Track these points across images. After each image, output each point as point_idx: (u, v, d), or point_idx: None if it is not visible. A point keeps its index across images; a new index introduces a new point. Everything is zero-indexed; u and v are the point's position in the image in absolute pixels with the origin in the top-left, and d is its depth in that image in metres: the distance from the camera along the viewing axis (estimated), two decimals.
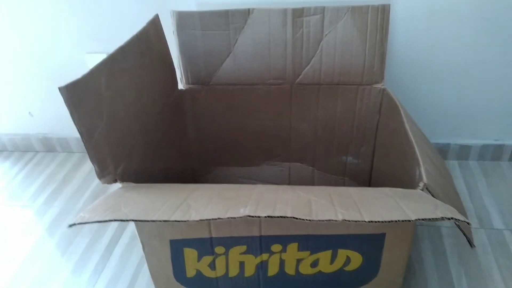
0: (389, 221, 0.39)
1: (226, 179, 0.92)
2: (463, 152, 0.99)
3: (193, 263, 0.60)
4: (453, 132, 0.97)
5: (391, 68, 0.87)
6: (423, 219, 0.40)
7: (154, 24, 0.69)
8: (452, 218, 0.41)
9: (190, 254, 0.59)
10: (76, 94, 0.50)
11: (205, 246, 0.57)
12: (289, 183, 0.91)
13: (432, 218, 0.41)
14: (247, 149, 0.89)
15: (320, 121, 0.84)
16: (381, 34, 0.73)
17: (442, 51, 0.85)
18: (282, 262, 0.58)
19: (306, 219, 0.40)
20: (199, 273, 0.61)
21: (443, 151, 0.99)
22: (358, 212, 0.42)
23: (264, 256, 0.58)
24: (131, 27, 0.64)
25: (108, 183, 0.57)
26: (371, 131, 0.82)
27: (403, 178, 0.64)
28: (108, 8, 0.88)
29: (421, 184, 0.53)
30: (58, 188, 1.07)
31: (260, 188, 0.50)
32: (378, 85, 0.77)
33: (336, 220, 0.40)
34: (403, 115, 0.68)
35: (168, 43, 0.75)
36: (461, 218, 0.41)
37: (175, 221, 0.41)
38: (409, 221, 0.39)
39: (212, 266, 0.60)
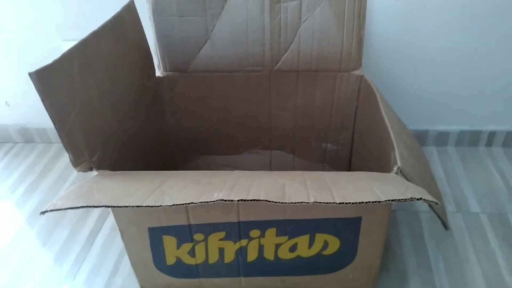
0: (359, 203, 0.40)
1: (207, 167, 0.91)
2: (441, 138, 1.01)
3: (172, 250, 0.60)
4: (431, 119, 0.98)
5: (369, 55, 0.87)
6: (393, 200, 0.41)
7: (129, 10, 0.68)
8: (421, 198, 0.41)
9: (169, 241, 0.59)
10: (47, 80, 0.49)
11: (184, 233, 0.57)
12: (270, 170, 0.91)
13: (402, 199, 0.41)
14: (228, 138, 0.88)
15: (300, 108, 0.84)
16: (359, 20, 0.74)
17: (420, 38, 0.86)
18: (261, 248, 0.59)
19: (279, 202, 0.40)
20: (179, 261, 0.61)
21: (421, 137, 1.00)
22: (330, 194, 0.42)
23: (243, 242, 0.58)
24: (109, 13, 0.63)
25: (83, 171, 0.57)
26: (350, 117, 0.83)
27: (379, 163, 0.65)
28: None
29: (395, 168, 0.53)
30: (38, 179, 1.05)
31: (236, 173, 0.50)
32: (356, 72, 0.78)
33: (307, 202, 0.40)
34: (379, 100, 0.68)
35: (145, 29, 0.74)
36: (430, 198, 0.42)
37: (148, 206, 0.41)
38: (379, 202, 0.40)
39: (192, 253, 0.60)
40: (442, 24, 0.84)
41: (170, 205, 0.41)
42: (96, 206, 0.41)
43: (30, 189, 1.02)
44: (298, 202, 0.40)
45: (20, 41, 0.97)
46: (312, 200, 0.40)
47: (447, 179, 0.93)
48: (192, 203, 0.41)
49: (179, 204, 0.41)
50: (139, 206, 0.41)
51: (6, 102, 1.11)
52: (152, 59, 0.77)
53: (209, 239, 0.58)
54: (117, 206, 0.41)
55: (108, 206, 0.41)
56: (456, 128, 0.99)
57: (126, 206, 0.41)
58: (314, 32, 0.75)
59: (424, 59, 0.89)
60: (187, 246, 0.59)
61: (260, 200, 0.41)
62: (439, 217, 0.56)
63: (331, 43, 0.76)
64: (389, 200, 0.40)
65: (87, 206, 0.41)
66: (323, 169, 0.90)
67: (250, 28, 0.75)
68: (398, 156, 0.55)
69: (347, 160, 0.88)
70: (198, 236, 0.58)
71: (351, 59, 0.77)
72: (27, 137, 1.18)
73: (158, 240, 0.59)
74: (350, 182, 0.46)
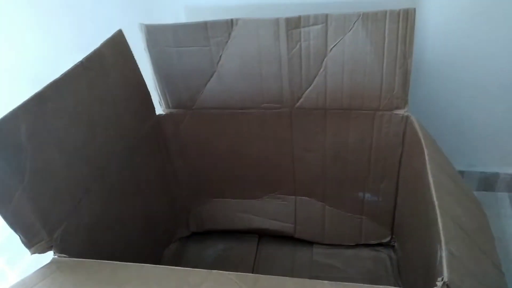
0: None
1: (222, 213, 0.79)
2: None
3: None
4: (503, 160, 0.78)
5: (418, 87, 0.69)
6: None
7: (113, 44, 0.56)
8: None
9: None
10: None
11: None
12: (295, 221, 0.76)
13: None
14: (245, 180, 0.75)
15: (329, 150, 0.68)
16: (403, 47, 0.56)
17: (487, 63, 0.66)
18: None
19: None
20: None
21: (490, 181, 0.80)
22: None
23: None
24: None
25: (40, 253, 0.47)
26: (393, 165, 0.66)
27: (426, 244, 0.49)
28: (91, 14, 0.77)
29: (439, 283, 0.37)
30: None
31: (208, 286, 0.37)
32: (400, 111, 0.61)
33: None
34: (427, 157, 0.51)
35: (143, 61, 0.63)
36: None
37: None
38: None
39: None
40: None
41: None
42: None
43: None
44: None
45: (28, 62, 0.90)
46: None
47: None
48: None
49: None
50: None
51: None
52: (149, 96, 0.65)
53: None
54: None
55: None
56: None
57: None
58: (345, 63, 0.59)
59: (492, 86, 0.69)
60: None
61: None
62: None
63: (367, 75, 0.59)
64: None
65: None
66: (360, 222, 0.74)
67: (264, 59, 0.61)
68: (445, 259, 0.39)
69: (390, 214, 0.71)
70: None
71: (393, 96, 0.60)
72: None
73: None
74: None
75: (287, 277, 0.40)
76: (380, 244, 0.75)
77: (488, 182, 0.80)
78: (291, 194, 0.75)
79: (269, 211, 0.77)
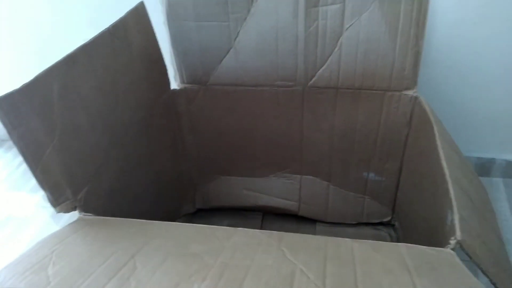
0: None
1: (228, 190, 0.81)
2: (510, 169, 0.83)
3: None
4: (499, 146, 0.81)
5: (427, 71, 0.72)
6: None
7: (137, 14, 0.57)
8: None
9: None
10: (14, 109, 0.40)
11: None
12: (300, 199, 0.79)
13: None
14: (253, 158, 0.77)
15: (338, 130, 0.71)
16: (416, 29, 0.59)
17: (493, 51, 0.69)
18: None
19: None
20: None
21: (486, 167, 0.83)
22: None
23: None
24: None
25: (65, 212, 0.48)
26: (399, 145, 0.69)
27: (432, 214, 0.51)
28: None
29: (452, 241, 0.40)
30: None
31: (236, 240, 0.38)
32: (409, 92, 0.63)
33: None
34: (436, 133, 0.54)
35: (159, 35, 0.64)
36: None
37: None
38: None
39: None
40: None
41: None
42: None
43: None
44: None
45: (46, 43, 0.90)
46: None
47: None
48: None
49: None
50: None
51: None
52: (166, 70, 0.67)
53: None
54: None
55: None
56: None
57: None
58: (359, 43, 0.61)
59: (495, 75, 0.72)
60: None
61: None
62: None
63: (380, 56, 0.62)
64: None
65: None
66: (363, 201, 0.77)
67: (281, 36, 0.62)
68: (457, 222, 0.42)
69: (392, 194, 0.74)
70: None
71: (404, 77, 0.62)
72: None
73: None
74: (388, 274, 0.33)
75: (310, 235, 0.42)
76: (381, 223, 0.78)
77: (484, 168, 0.84)
78: (297, 173, 0.77)
79: (274, 190, 0.79)
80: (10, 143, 1.19)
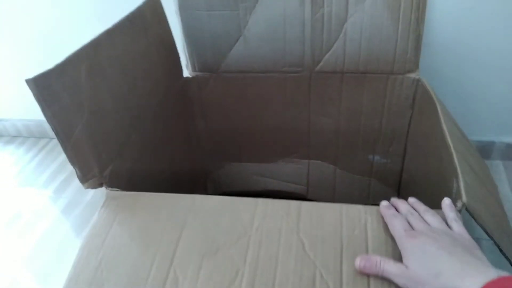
0: None
1: (239, 175, 0.84)
2: (510, 152, 0.87)
3: None
4: (499, 129, 0.84)
5: (428, 55, 0.75)
6: None
7: (152, 3, 0.60)
8: None
9: None
10: (48, 87, 0.43)
11: None
12: (308, 183, 0.82)
13: None
14: (262, 144, 0.80)
15: (344, 114, 0.74)
16: (417, 13, 0.62)
17: (490, 35, 0.73)
18: None
19: None
20: None
21: (486, 149, 0.87)
22: None
23: None
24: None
25: (92, 188, 0.50)
26: (403, 127, 0.72)
27: (438, 188, 0.54)
28: None
29: (459, 204, 0.43)
30: (70, 176, 1.04)
31: (257, 225, 0.41)
32: (412, 75, 0.66)
33: None
34: (440, 112, 0.57)
35: (171, 25, 0.67)
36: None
37: None
38: None
39: None
40: None
41: None
42: None
43: (64, 184, 1.03)
44: None
45: (57, 37, 0.93)
46: None
47: None
48: None
49: None
50: None
51: None
52: (179, 58, 0.70)
53: None
54: None
55: None
56: None
57: None
58: (363, 28, 0.64)
59: (494, 59, 0.76)
60: None
61: None
62: (506, 257, 0.44)
63: (383, 40, 0.65)
64: None
65: None
66: (369, 184, 0.80)
67: (288, 23, 0.65)
68: (462, 187, 0.45)
69: (397, 176, 0.77)
70: None
71: (406, 60, 0.65)
72: None
73: None
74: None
75: (327, 203, 0.45)
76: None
77: (484, 150, 0.87)
78: (305, 158, 0.81)
79: (283, 174, 0.82)
80: (21, 139, 1.22)
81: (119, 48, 0.53)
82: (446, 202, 0.43)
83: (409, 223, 0.42)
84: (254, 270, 0.37)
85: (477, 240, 0.71)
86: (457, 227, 0.40)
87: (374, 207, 0.46)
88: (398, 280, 0.37)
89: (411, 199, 0.47)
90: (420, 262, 0.36)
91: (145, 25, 0.59)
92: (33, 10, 0.91)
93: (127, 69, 0.55)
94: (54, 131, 0.45)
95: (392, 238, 0.41)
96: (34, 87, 0.42)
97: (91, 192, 0.96)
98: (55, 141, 1.17)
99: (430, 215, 0.42)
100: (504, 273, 0.33)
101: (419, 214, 0.43)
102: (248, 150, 0.81)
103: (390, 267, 0.37)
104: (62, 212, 0.94)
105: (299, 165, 0.81)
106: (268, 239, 0.40)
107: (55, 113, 0.44)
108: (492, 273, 0.33)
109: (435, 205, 0.56)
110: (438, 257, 0.36)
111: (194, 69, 0.72)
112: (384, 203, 0.45)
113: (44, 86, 0.43)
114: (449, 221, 0.41)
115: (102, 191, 0.51)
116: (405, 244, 0.38)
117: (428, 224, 0.41)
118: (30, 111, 1.13)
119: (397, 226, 0.41)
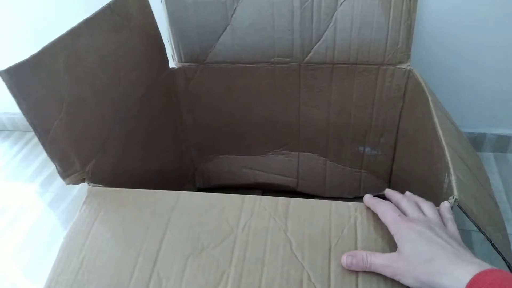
0: None
1: (228, 169, 0.82)
2: (501, 144, 0.86)
3: None
4: (490, 121, 0.84)
5: (419, 45, 0.74)
6: None
7: None
8: None
9: None
10: (23, 79, 0.41)
11: None
12: (298, 176, 0.81)
13: None
14: (251, 136, 0.79)
15: (334, 106, 0.72)
16: (408, 3, 0.61)
17: (482, 27, 0.71)
18: None
19: None
20: None
21: (477, 141, 0.86)
22: None
23: None
24: None
25: (74, 183, 0.49)
26: (393, 119, 0.71)
27: (429, 181, 0.53)
28: None
29: (451, 200, 0.42)
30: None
31: (244, 223, 0.40)
32: (403, 66, 0.65)
33: None
34: (431, 103, 0.56)
35: (157, 15, 0.65)
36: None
37: None
38: None
39: None
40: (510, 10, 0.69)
41: None
42: None
43: (50, 178, 1.01)
44: None
45: (44, 28, 0.90)
46: None
47: (506, 192, 0.79)
48: None
49: None
50: None
51: None
52: (164, 48, 0.68)
53: None
54: None
55: None
56: None
57: None
58: (354, 17, 0.63)
59: (485, 50, 0.75)
60: None
61: None
62: (499, 252, 0.44)
63: (373, 30, 0.63)
64: None
65: None
66: (359, 176, 0.79)
67: (277, 12, 0.64)
68: (454, 182, 0.44)
69: (388, 167, 0.76)
70: None
71: (397, 50, 0.64)
72: None
73: None
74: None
75: (317, 200, 0.44)
76: (378, 196, 0.79)
77: (475, 142, 0.86)
78: (295, 150, 0.79)
79: (273, 167, 0.81)
80: (7, 133, 1.19)
81: (100, 37, 0.51)
82: (445, 204, 0.42)
83: (405, 212, 0.41)
84: (240, 272, 0.35)
85: (468, 232, 0.71)
86: (452, 227, 0.40)
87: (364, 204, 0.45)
88: (386, 271, 0.36)
89: (408, 193, 0.46)
90: (415, 246, 0.36)
91: (127, 14, 0.57)
92: (25, 6, 0.88)
93: (108, 60, 0.53)
94: (31, 125, 0.43)
95: (382, 236, 0.40)
96: (7, 78, 0.40)
97: (78, 186, 0.94)
98: None
99: (427, 206, 0.42)
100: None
101: (416, 204, 0.43)
102: (237, 142, 0.80)
103: (377, 259, 0.37)
104: (49, 206, 0.92)
105: (289, 157, 0.80)
106: (255, 238, 0.38)
107: (30, 105, 0.42)
108: (486, 265, 0.33)
109: (426, 197, 0.56)
110: (434, 243, 0.36)
111: (180, 60, 0.70)
112: (366, 196, 0.45)
113: (19, 78, 0.41)
114: (444, 221, 0.40)
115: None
116: (401, 226, 0.38)
117: (425, 215, 0.40)
118: (15, 104, 1.10)
119: (389, 211, 0.40)
